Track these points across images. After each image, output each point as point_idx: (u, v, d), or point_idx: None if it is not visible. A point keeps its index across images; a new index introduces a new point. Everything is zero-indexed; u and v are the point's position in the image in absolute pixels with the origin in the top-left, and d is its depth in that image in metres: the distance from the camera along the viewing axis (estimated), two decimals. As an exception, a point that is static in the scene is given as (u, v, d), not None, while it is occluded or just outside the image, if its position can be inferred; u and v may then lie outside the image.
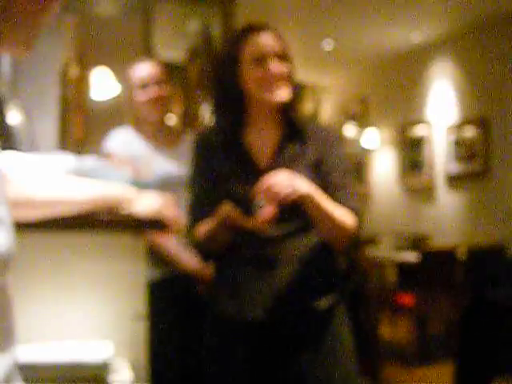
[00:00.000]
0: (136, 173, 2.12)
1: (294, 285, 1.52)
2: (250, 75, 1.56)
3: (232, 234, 1.54)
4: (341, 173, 1.58)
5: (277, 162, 1.55)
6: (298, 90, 1.64)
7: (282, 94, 1.56)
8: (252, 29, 1.59)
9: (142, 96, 2.21)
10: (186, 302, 2.18)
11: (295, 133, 1.60)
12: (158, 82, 2.23)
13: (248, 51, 1.56)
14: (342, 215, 1.51)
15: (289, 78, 1.58)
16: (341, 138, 1.70)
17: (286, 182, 1.41)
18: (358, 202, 1.58)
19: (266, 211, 1.45)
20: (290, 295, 1.51)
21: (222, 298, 1.59)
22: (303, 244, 1.55)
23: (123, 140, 2.23)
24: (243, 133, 1.61)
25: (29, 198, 1.19)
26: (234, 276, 1.58)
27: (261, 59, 1.55)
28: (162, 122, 2.29)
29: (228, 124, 1.61)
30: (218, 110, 1.66)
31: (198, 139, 1.69)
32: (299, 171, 1.50)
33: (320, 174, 1.56)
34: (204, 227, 1.57)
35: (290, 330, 1.53)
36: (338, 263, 1.65)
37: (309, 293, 1.53)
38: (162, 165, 2.18)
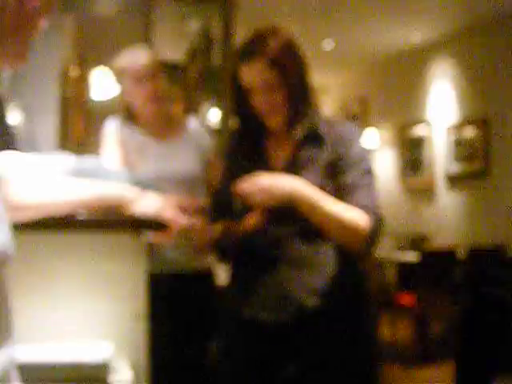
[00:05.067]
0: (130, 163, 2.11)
1: (298, 286, 1.51)
2: (252, 102, 1.55)
3: (235, 239, 1.57)
4: (358, 173, 1.52)
5: (290, 166, 1.54)
6: (307, 97, 1.57)
7: (273, 123, 1.56)
8: (244, 55, 1.52)
9: (136, 93, 2.14)
10: (187, 300, 2.18)
11: (312, 135, 1.56)
12: (153, 76, 2.14)
13: (242, 79, 1.54)
14: (352, 216, 1.45)
15: (281, 106, 1.53)
16: (360, 137, 1.61)
17: (262, 187, 1.41)
18: (374, 201, 1.50)
19: (249, 216, 1.48)
20: (294, 297, 1.51)
21: (232, 298, 1.62)
22: (310, 245, 1.53)
23: (120, 126, 2.18)
24: (263, 138, 1.62)
25: (27, 200, 1.19)
26: (243, 277, 1.61)
27: (252, 90, 1.53)
28: (158, 115, 2.21)
29: (248, 130, 1.63)
30: (239, 118, 1.66)
31: (226, 143, 1.76)
32: (313, 174, 1.50)
33: (336, 175, 1.52)
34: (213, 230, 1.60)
35: (296, 332, 1.52)
36: (354, 267, 1.61)
37: (314, 295, 1.51)
38: (157, 160, 2.14)
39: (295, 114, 1.55)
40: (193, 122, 2.31)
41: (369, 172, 1.54)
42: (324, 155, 1.54)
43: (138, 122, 2.20)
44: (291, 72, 1.51)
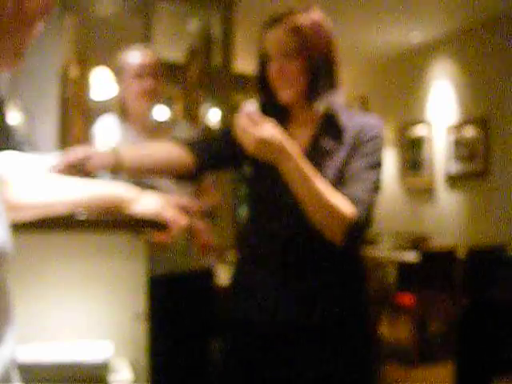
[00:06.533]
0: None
1: (296, 289, 1.49)
2: (269, 73, 1.52)
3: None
4: (365, 165, 1.45)
5: (308, 156, 1.45)
6: (327, 79, 1.52)
7: (285, 95, 1.51)
8: (269, 22, 1.51)
9: (136, 87, 2.15)
10: (186, 300, 2.18)
11: (332, 126, 1.52)
12: (152, 75, 2.16)
13: (265, 48, 1.52)
14: (338, 202, 1.37)
15: (296, 78, 1.48)
16: (381, 132, 1.51)
17: (256, 135, 1.33)
18: (369, 197, 1.42)
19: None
20: (291, 300, 1.49)
21: (232, 299, 1.61)
22: (310, 247, 1.49)
23: (110, 126, 2.19)
24: (285, 126, 1.53)
25: (27, 200, 1.19)
26: (243, 278, 1.59)
27: (270, 57, 1.50)
28: (148, 114, 2.23)
29: (269, 111, 1.54)
30: (262, 101, 1.60)
31: None
32: (329, 167, 1.45)
33: (348, 165, 1.46)
34: None
35: (293, 335, 1.51)
36: (354, 269, 1.56)
37: (312, 298, 1.49)
38: None
39: (311, 92, 1.51)
40: (182, 123, 2.34)
41: (374, 167, 1.46)
42: (342, 148, 1.49)
43: (131, 121, 2.21)
44: (312, 46, 1.47)
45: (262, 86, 1.57)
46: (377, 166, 1.47)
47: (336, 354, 1.50)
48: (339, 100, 1.56)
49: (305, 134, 1.54)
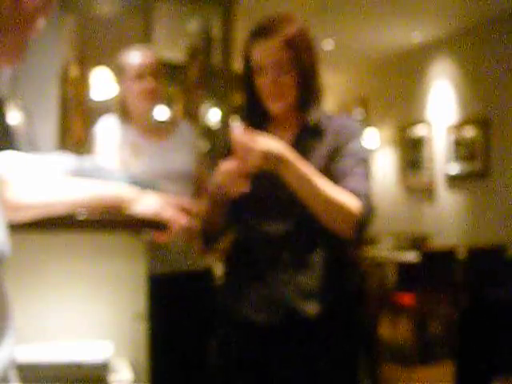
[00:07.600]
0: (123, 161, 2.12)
1: (291, 288, 1.48)
2: (256, 83, 1.54)
3: (221, 214, 1.56)
4: (353, 161, 1.48)
5: None
6: (315, 88, 1.55)
7: (276, 107, 1.53)
8: (258, 34, 1.52)
9: (136, 87, 2.16)
10: (187, 300, 2.18)
11: (313, 128, 1.54)
12: (153, 75, 2.17)
13: (253, 59, 1.52)
14: (343, 198, 1.40)
15: (288, 90, 1.51)
16: (361, 131, 1.58)
17: (251, 145, 1.36)
18: (367, 189, 1.46)
19: (233, 181, 1.43)
20: (285, 299, 1.49)
21: (225, 298, 1.61)
22: (305, 245, 1.50)
23: (111, 126, 2.20)
24: (266, 128, 1.57)
25: (27, 200, 1.19)
26: (236, 277, 1.59)
27: (262, 69, 1.51)
28: (149, 114, 2.24)
29: (252, 115, 1.59)
30: (246, 104, 1.63)
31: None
32: (312, 164, 1.46)
33: (334, 165, 1.49)
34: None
35: (288, 334, 1.51)
36: (350, 267, 1.58)
37: (307, 298, 1.49)
38: (151, 159, 2.15)
39: (300, 102, 1.53)
40: (183, 124, 2.34)
41: (364, 162, 1.51)
42: (323, 147, 1.52)
43: (132, 122, 2.22)
44: (303, 57, 1.50)
45: (249, 94, 1.59)
46: (365, 161, 1.52)
47: (325, 350, 1.51)
48: (322, 108, 1.59)
49: (286, 134, 1.57)
